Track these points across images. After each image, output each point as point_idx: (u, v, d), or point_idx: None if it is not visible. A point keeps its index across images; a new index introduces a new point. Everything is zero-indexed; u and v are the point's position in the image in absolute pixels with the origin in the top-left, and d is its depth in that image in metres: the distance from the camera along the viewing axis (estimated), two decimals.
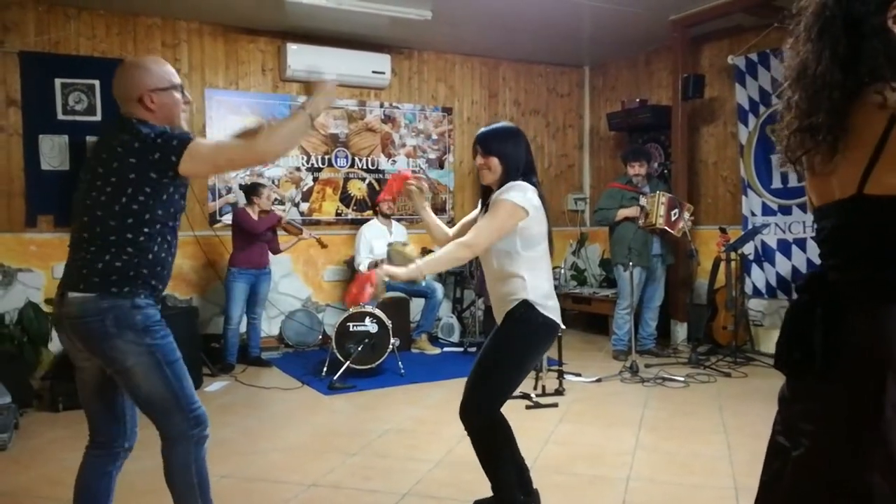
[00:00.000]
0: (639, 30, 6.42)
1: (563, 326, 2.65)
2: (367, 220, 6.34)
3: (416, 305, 6.48)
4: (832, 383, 1.28)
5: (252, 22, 6.11)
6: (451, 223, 4.16)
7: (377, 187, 6.80)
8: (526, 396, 4.44)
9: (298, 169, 6.52)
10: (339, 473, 3.33)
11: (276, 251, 5.77)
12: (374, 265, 5.82)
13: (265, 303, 5.84)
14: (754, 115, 5.90)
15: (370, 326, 5.14)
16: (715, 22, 6.02)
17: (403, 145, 7.02)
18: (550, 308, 2.53)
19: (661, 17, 6.07)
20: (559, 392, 4.63)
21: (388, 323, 5.21)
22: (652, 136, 7.13)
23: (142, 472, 2.97)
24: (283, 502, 3.00)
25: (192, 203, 5.68)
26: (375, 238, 6.05)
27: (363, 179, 6.82)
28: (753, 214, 5.92)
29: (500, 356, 2.53)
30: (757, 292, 5.93)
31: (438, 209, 7.11)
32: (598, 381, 5.05)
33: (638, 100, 7.01)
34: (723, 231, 5.71)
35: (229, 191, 6.23)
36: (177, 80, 2.16)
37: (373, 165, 6.86)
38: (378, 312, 5.22)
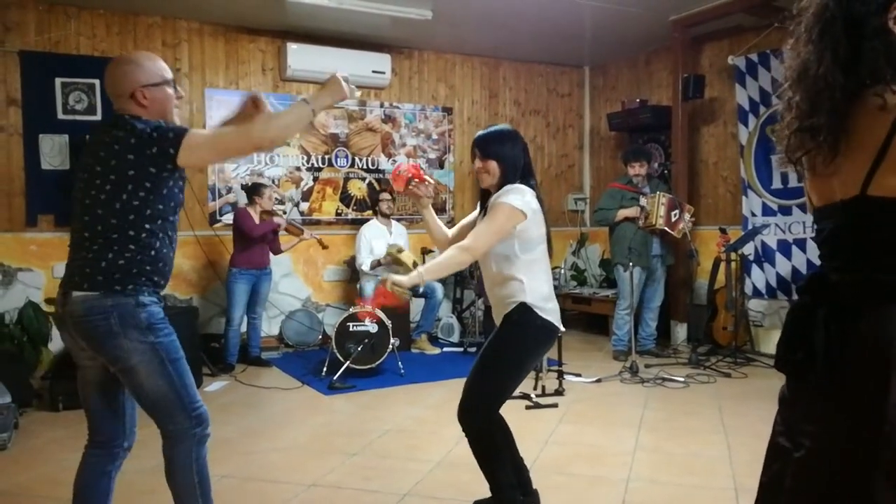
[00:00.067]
0: (639, 30, 6.42)
1: (562, 329, 2.63)
2: (367, 220, 6.35)
3: (416, 306, 6.48)
4: (834, 384, 1.28)
5: (252, 21, 6.11)
6: (450, 223, 4.16)
7: (377, 187, 6.80)
8: (526, 397, 4.44)
9: (298, 169, 6.52)
10: (339, 473, 3.33)
11: (277, 252, 5.76)
12: (377, 264, 5.84)
13: (265, 303, 5.84)
14: (754, 116, 5.90)
15: (370, 326, 5.14)
16: (715, 22, 6.03)
17: (403, 145, 7.02)
18: (549, 310, 2.53)
19: (661, 17, 6.07)
20: (559, 392, 4.63)
21: (388, 323, 5.20)
22: (652, 137, 7.12)
23: (141, 472, 2.97)
24: (283, 502, 3.00)
25: (192, 203, 5.68)
26: (375, 238, 6.06)
27: (363, 179, 6.82)
28: (753, 215, 5.92)
29: (498, 359, 2.53)
30: (757, 293, 5.93)
31: (438, 209, 7.10)
32: (598, 381, 5.05)
33: (638, 100, 7.01)
34: (723, 231, 5.72)
35: (229, 190, 6.23)
36: (168, 75, 2.16)
37: (373, 165, 6.86)
38: (378, 312, 5.22)
